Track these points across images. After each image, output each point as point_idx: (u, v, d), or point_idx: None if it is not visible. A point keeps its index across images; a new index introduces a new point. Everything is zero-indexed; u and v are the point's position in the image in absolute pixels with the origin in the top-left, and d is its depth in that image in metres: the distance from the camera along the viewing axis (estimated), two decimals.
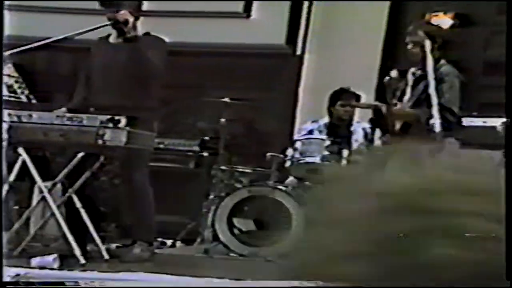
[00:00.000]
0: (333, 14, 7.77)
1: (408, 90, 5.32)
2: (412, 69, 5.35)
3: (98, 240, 4.92)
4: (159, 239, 5.94)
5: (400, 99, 5.34)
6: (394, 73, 5.43)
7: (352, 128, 6.35)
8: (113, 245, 5.51)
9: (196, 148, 6.49)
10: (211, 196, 6.02)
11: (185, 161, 6.54)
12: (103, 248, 4.92)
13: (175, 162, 6.42)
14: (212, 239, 5.84)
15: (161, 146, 6.19)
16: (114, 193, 5.64)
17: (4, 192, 4.84)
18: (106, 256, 4.88)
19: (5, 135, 4.71)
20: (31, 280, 4.07)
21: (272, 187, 5.89)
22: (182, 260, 5.44)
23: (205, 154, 6.36)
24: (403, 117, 5.28)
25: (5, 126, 4.72)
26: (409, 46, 5.28)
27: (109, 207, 5.69)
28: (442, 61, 5.21)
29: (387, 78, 5.39)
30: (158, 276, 4.32)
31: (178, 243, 6.09)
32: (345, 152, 5.97)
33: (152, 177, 5.23)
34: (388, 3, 7.60)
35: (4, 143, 4.71)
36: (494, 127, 6.29)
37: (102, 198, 5.52)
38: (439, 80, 5.04)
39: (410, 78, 5.35)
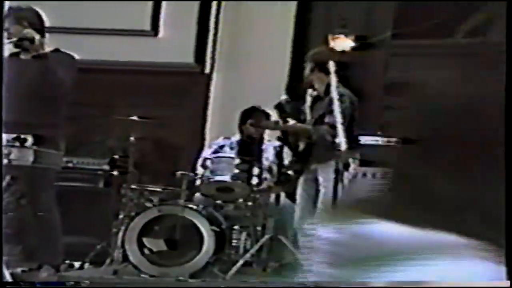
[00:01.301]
0: (240, 33, 7.85)
1: (308, 111, 5.42)
2: (309, 91, 5.45)
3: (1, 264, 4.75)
4: (67, 262, 5.81)
5: (304, 119, 5.46)
6: (283, 97, 5.57)
7: (263, 147, 6.39)
8: (19, 269, 5.34)
9: (106, 167, 6.41)
10: (121, 216, 5.94)
11: (94, 180, 6.44)
12: (7, 272, 4.76)
13: (84, 181, 6.32)
14: (122, 260, 5.75)
15: (70, 165, 6.09)
16: (21, 214, 5.49)
17: None
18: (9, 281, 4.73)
19: None
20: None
21: (182, 206, 5.86)
22: (91, 282, 5.32)
23: (115, 173, 6.29)
24: (294, 133, 5.39)
25: None
26: (307, 72, 5.45)
27: (14, 228, 5.53)
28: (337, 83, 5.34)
29: (277, 102, 5.56)
30: None
31: (87, 265, 5.96)
32: (256, 170, 6.01)
33: (60, 197, 5.12)
34: (292, 24, 7.74)
35: None
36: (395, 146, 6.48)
37: (8, 219, 5.36)
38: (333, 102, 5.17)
39: (308, 99, 5.43)
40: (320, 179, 5.26)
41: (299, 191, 5.45)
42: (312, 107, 5.45)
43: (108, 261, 5.87)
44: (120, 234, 5.78)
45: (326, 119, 5.25)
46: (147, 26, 7.63)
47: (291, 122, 5.40)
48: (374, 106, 7.70)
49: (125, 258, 5.73)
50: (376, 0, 7.75)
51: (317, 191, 5.27)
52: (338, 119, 4.92)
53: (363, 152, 6.09)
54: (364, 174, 6.51)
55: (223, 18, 7.92)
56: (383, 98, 7.80)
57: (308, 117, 5.44)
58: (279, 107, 5.55)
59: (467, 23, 7.73)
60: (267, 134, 6.44)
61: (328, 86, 5.30)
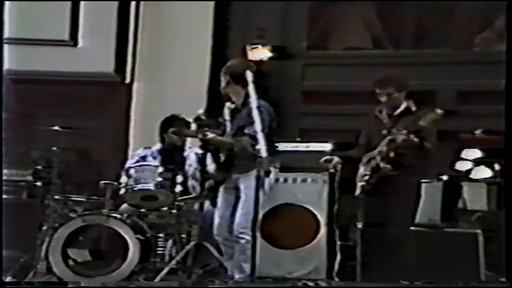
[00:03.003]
0: (159, 43, 7.91)
1: (227, 123, 5.52)
2: (227, 103, 5.56)
3: None
4: None
5: (224, 131, 5.54)
6: (200, 111, 5.66)
7: (185, 154, 6.47)
8: None
9: (29, 178, 6.36)
10: (45, 227, 5.91)
11: (17, 192, 6.40)
12: None
13: (7, 193, 6.26)
14: (46, 272, 5.73)
15: None
16: None
17: None
18: None
19: None
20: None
21: (106, 216, 5.88)
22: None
23: (38, 183, 6.25)
24: (217, 145, 5.48)
25: None
26: (223, 85, 5.51)
27: None
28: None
29: (196, 116, 5.61)
30: None
31: (9, 279, 5.89)
32: (179, 178, 6.08)
33: None
34: (211, 33, 7.86)
35: None
36: (318, 151, 6.67)
37: None
38: (252, 113, 5.28)
39: (226, 112, 5.55)
40: (241, 187, 5.36)
41: (219, 199, 5.55)
42: (231, 119, 5.54)
43: (31, 274, 5.83)
44: (44, 245, 5.75)
45: (246, 130, 5.35)
46: (66, 36, 7.62)
47: (211, 135, 5.48)
48: (293, 114, 7.91)
49: (49, 270, 5.70)
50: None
51: (237, 198, 5.37)
52: (258, 127, 5.04)
53: (283, 158, 6.26)
54: (285, 180, 6.68)
55: (142, 27, 7.98)
56: (301, 106, 8.01)
57: (228, 129, 5.53)
58: (198, 120, 5.63)
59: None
60: (188, 141, 6.52)
61: (245, 97, 5.42)
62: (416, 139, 5.33)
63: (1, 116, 4.85)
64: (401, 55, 7.66)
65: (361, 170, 5.61)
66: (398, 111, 5.60)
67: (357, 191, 5.60)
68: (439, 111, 5.31)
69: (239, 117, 5.44)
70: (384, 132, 5.55)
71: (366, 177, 5.53)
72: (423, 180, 6.01)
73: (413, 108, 5.58)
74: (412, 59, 7.52)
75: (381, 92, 5.56)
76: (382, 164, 5.46)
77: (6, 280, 5.81)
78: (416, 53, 7.68)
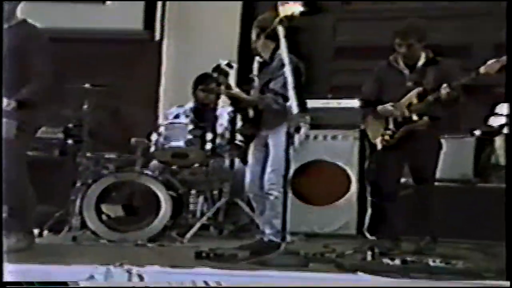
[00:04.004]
0: (189, 1, 7.86)
1: (255, 78, 5.49)
2: (257, 58, 5.51)
3: None
4: None
5: (251, 86, 5.51)
6: (222, 61, 5.59)
7: (217, 113, 6.47)
8: None
9: (60, 136, 6.42)
10: (78, 184, 5.98)
11: (50, 149, 6.46)
12: None
13: (39, 150, 6.33)
14: (81, 226, 5.82)
15: None
16: None
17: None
18: None
19: None
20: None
21: (138, 172, 5.93)
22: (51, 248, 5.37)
23: (70, 141, 6.30)
24: (240, 101, 5.45)
25: None
26: (254, 38, 5.43)
27: None
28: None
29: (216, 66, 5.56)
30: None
31: (45, 232, 6.01)
32: (209, 136, 6.10)
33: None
34: None
35: None
36: (348, 108, 6.63)
37: None
38: (279, 68, 5.24)
39: (255, 67, 5.51)
40: (270, 143, 5.35)
41: (249, 157, 5.55)
42: (259, 73, 5.50)
43: (66, 228, 5.93)
44: (78, 201, 5.83)
45: (271, 85, 5.31)
46: None
47: (235, 90, 5.46)
48: (325, 70, 7.85)
49: (84, 225, 5.79)
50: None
51: (267, 155, 5.37)
52: (290, 83, 4.99)
53: (314, 115, 6.23)
54: (315, 137, 6.67)
55: None
56: (333, 63, 7.94)
57: (256, 84, 5.50)
58: (217, 69, 5.58)
59: None
60: (221, 100, 6.51)
61: (273, 52, 5.37)
62: (455, 93, 5.25)
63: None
64: (437, 8, 7.53)
65: (377, 123, 5.53)
66: (421, 62, 5.50)
67: (379, 146, 5.51)
68: (503, 58, 5.13)
69: (265, 72, 5.41)
70: (410, 84, 5.46)
71: (389, 131, 5.46)
72: (455, 135, 5.96)
73: (439, 59, 5.48)
74: (450, 12, 7.40)
75: (402, 43, 5.45)
76: (415, 117, 5.38)
77: (44, 234, 5.94)
78: (451, 4, 7.56)
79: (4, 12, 5.03)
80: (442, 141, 5.56)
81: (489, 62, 5.17)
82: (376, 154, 5.59)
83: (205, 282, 4.07)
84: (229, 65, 5.54)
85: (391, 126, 5.49)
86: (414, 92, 5.44)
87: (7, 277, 4.07)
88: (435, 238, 5.43)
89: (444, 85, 5.28)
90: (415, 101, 5.42)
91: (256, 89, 5.47)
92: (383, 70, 5.59)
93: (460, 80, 5.26)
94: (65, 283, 4.06)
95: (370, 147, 5.77)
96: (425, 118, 5.38)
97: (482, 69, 5.17)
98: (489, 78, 5.27)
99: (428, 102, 5.37)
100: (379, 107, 5.53)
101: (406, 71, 5.51)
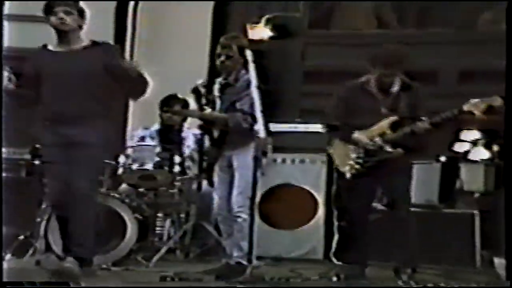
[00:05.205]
0: (159, 21, 7.88)
1: (217, 99, 5.49)
2: (219, 79, 5.50)
3: None
4: None
5: (213, 106, 5.51)
6: (200, 81, 5.60)
7: (183, 135, 6.47)
8: None
9: (27, 156, 6.36)
10: (44, 206, 5.93)
11: (16, 170, 6.41)
12: None
13: (6, 171, 6.26)
14: (45, 249, 5.75)
15: None
16: None
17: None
18: None
19: None
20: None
21: (105, 195, 5.90)
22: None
23: (37, 162, 6.25)
24: (213, 121, 5.44)
25: None
26: (222, 58, 5.40)
27: None
28: (243, 71, 5.40)
29: (194, 86, 5.57)
30: None
31: (8, 256, 5.92)
32: (177, 159, 6.09)
33: None
34: (211, 11, 7.82)
35: None
36: (316, 132, 6.66)
37: None
38: (244, 88, 5.25)
39: (216, 88, 5.50)
40: (235, 164, 5.36)
41: (216, 179, 5.54)
42: (221, 94, 5.48)
43: (30, 251, 5.86)
44: (43, 223, 5.77)
45: (238, 106, 5.31)
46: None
47: (208, 110, 5.46)
48: (294, 94, 7.90)
49: (48, 247, 5.73)
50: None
51: (232, 176, 5.37)
52: (258, 106, 5.00)
53: (282, 139, 6.26)
54: (283, 160, 6.70)
55: (141, 7, 7.93)
56: (302, 86, 7.99)
57: (218, 105, 5.49)
58: (195, 91, 5.60)
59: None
60: (187, 122, 6.52)
61: (237, 73, 5.37)
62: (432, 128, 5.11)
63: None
64: (403, 35, 7.63)
65: (345, 150, 5.36)
66: (396, 88, 5.33)
67: (347, 174, 5.33)
68: (498, 98, 5.01)
69: (230, 93, 5.40)
70: (384, 110, 5.30)
71: (360, 160, 5.31)
72: (421, 162, 5.97)
73: (413, 85, 5.32)
74: (414, 39, 7.49)
75: (383, 71, 5.24)
76: (389, 148, 5.22)
77: (6, 258, 5.85)
78: (419, 32, 7.65)
79: None
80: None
81: (473, 101, 5.06)
82: (345, 180, 5.42)
83: None
84: (203, 85, 5.56)
85: (361, 155, 5.32)
86: (388, 121, 5.27)
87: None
88: (414, 268, 5.22)
89: (424, 118, 5.15)
90: (388, 131, 5.27)
91: (218, 110, 5.45)
92: (354, 91, 5.39)
93: (441, 116, 5.13)
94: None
95: (338, 172, 5.69)
96: (399, 150, 5.22)
97: (465, 107, 5.07)
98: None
99: (403, 133, 5.22)
100: (354, 135, 5.32)
101: (380, 96, 5.33)
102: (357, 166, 5.33)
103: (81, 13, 4.99)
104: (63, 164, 4.83)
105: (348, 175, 5.35)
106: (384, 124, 5.29)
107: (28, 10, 7.41)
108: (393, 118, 5.27)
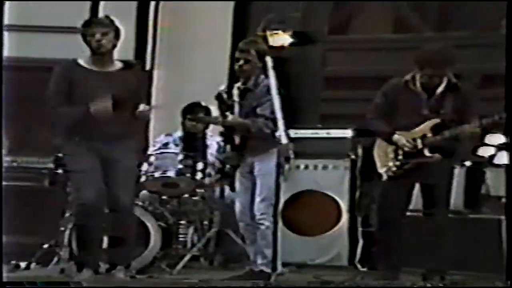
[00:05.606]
0: (180, 28, 7.90)
1: (236, 105, 5.45)
2: (237, 84, 5.47)
3: None
4: (13, 262, 5.79)
5: (232, 112, 5.47)
6: (222, 87, 5.57)
7: (207, 142, 6.46)
8: None
9: (50, 165, 6.37)
10: (67, 214, 5.93)
11: (39, 179, 6.42)
12: None
13: (29, 180, 6.28)
14: (69, 258, 5.75)
15: (14, 164, 6.04)
16: None
17: None
18: None
19: None
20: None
21: None
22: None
23: (60, 171, 6.26)
24: (235, 127, 5.40)
25: None
26: (240, 62, 5.37)
27: None
28: (262, 76, 5.37)
29: (217, 92, 5.54)
30: None
31: (33, 265, 5.93)
32: (200, 165, 6.07)
33: (5, 196, 5.09)
34: (231, 18, 7.83)
35: None
36: (338, 138, 6.63)
37: None
38: (264, 94, 5.21)
39: (235, 93, 5.46)
40: (257, 170, 5.32)
41: (237, 185, 5.51)
42: (241, 100, 5.45)
43: (55, 260, 5.86)
44: (67, 232, 5.77)
45: (259, 111, 5.28)
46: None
47: (230, 116, 5.43)
48: (315, 99, 7.87)
49: (72, 256, 5.72)
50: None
51: (254, 182, 5.34)
52: (279, 113, 4.97)
53: (304, 145, 6.23)
54: (306, 166, 6.66)
55: (162, 13, 7.96)
56: (323, 92, 7.96)
57: (237, 110, 5.45)
58: (219, 97, 5.57)
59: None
60: (210, 129, 6.50)
61: (257, 78, 5.34)
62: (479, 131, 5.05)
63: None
64: (423, 39, 7.57)
65: (387, 151, 5.24)
66: (441, 88, 5.17)
67: (384, 176, 5.24)
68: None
69: (251, 98, 5.36)
70: (426, 111, 5.17)
71: (398, 162, 5.21)
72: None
73: (460, 86, 5.15)
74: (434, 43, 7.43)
75: (431, 72, 5.09)
76: (427, 153, 5.12)
77: (31, 267, 5.87)
78: (439, 36, 7.60)
79: None
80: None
81: None
82: (382, 183, 5.32)
83: None
84: (225, 91, 5.54)
85: (400, 156, 5.23)
86: (430, 123, 5.17)
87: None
88: (443, 276, 5.17)
89: (475, 123, 5.03)
90: (429, 133, 5.17)
91: (238, 115, 5.42)
92: (397, 89, 5.27)
93: (492, 119, 5.03)
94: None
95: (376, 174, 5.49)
96: (437, 155, 5.13)
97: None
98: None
99: (444, 138, 5.13)
100: (395, 136, 5.22)
101: (424, 95, 5.20)
102: (394, 168, 5.24)
103: (117, 33, 4.98)
104: (98, 176, 4.93)
105: (384, 177, 5.28)
106: (426, 126, 5.19)
107: (29, 20, 7.48)
108: (435, 120, 5.18)
